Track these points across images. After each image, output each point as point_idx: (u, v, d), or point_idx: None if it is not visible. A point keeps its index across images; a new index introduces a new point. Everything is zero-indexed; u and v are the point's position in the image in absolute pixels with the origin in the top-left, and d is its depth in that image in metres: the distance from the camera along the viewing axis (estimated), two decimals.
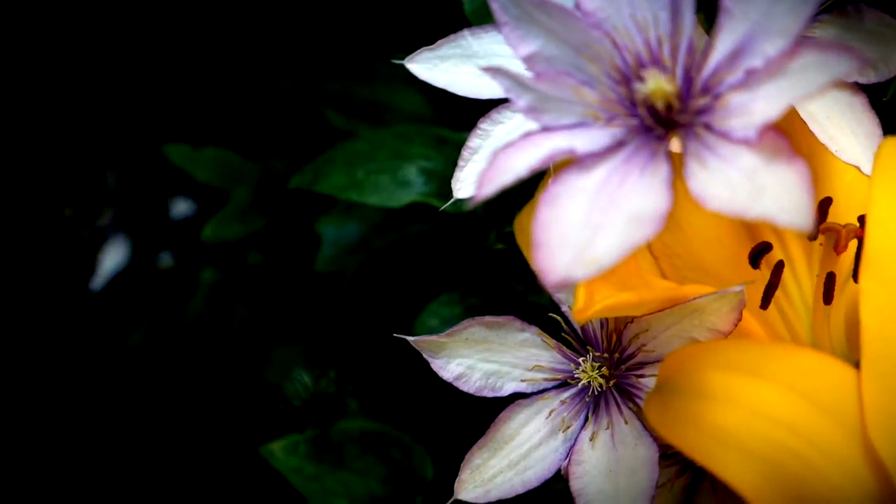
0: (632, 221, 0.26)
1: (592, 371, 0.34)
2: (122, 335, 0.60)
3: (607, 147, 0.28)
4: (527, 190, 0.34)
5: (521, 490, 0.34)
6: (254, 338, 0.55)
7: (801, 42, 0.27)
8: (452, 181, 0.34)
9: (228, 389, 0.56)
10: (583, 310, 0.31)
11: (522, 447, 0.35)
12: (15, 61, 0.60)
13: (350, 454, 0.42)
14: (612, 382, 0.34)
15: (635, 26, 0.29)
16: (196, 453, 0.57)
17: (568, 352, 0.35)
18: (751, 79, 0.27)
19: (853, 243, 0.35)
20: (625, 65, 0.28)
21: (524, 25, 0.29)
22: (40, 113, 0.61)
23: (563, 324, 0.35)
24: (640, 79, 0.28)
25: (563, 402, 0.35)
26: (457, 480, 0.35)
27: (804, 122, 0.34)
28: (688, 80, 0.28)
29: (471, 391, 0.35)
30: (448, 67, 0.35)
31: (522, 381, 0.35)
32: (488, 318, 0.35)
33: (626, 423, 0.34)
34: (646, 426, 0.34)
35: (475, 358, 0.35)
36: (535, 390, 0.35)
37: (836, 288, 0.35)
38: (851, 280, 0.35)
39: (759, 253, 0.35)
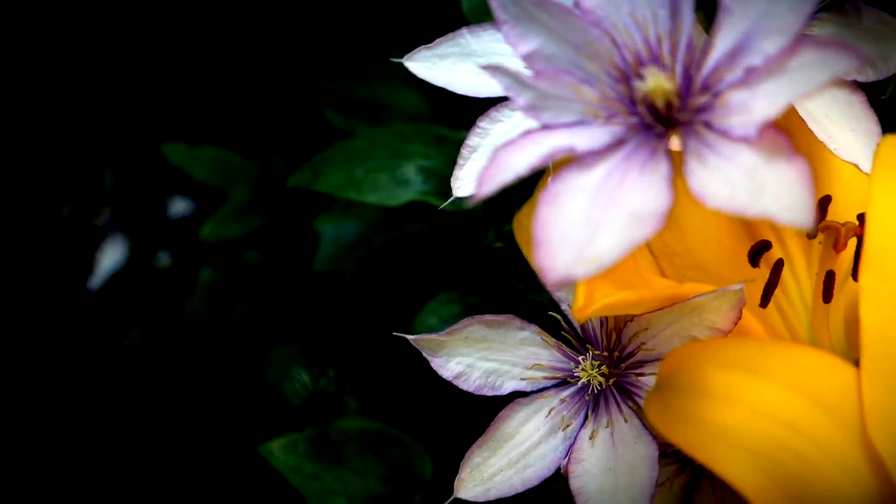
0: (632, 219, 0.26)
1: (592, 369, 0.34)
2: (121, 334, 0.60)
3: (607, 145, 0.28)
4: (525, 188, 0.34)
5: (520, 488, 0.34)
6: (252, 337, 0.55)
7: (801, 40, 0.27)
8: (452, 179, 0.34)
9: (227, 388, 0.56)
10: (583, 308, 0.31)
11: (522, 446, 0.35)
12: (13, 60, 0.60)
13: (349, 453, 0.42)
14: (611, 381, 0.34)
15: (634, 24, 0.28)
16: (195, 452, 0.57)
17: (567, 350, 0.35)
18: (750, 77, 0.27)
19: (852, 241, 0.35)
20: (624, 63, 0.28)
21: (523, 23, 0.29)
22: (38, 112, 0.61)
23: (563, 322, 0.35)
24: (640, 77, 0.28)
25: (562, 401, 0.35)
26: (456, 479, 0.35)
27: (803, 120, 0.34)
28: (687, 78, 0.28)
29: (470, 390, 0.35)
30: (447, 66, 0.35)
31: (522, 379, 0.35)
32: (488, 317, 0.35)
33: (626, 421, 0.34)
34: (645, 425, 0.34)
35: (475, 356, 0.35)
36: (534, 389, 0.35)
37: (836, 286, 0.35)
38: (850, 279, 0.35)
39: (758, 251, 0.35)
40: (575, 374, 0.35)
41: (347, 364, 0.47)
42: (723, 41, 0.27)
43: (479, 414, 0.36)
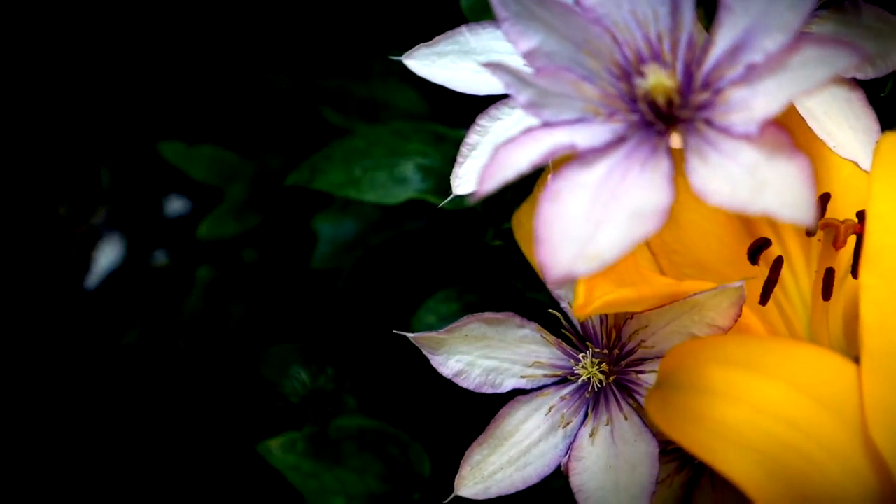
0: (634, 216, 0.26)
1: (592, 367, 0.34)
2: (117, 334, 0.60)
3: (608, 142, 0.28)
4: (524, 186, 0.34)
5: (521, 486, 0.34)
6: (250, 335, 0.55)
7: (801, 37, 0.27)
8: (451, 177, 0.34)
9: (225, 387, 0.56)
10: (583, 306, 0.31)
11: (522, 443, 0.35)
12: (9, 60, 0.60)
13: (348, 451, 0.42)
14: (611, 378, 0.34)
15: (635, 22, 0.29)
16: (193, 451, 0.56)
17: (567, 348, 0.35)
18: (751, 74, 0.27)
19: (851, 239, 0.35)
20: (625, 60, 0.28)
21: (524, 21, 0.29)
22: (35, 111, 0.61)
23: (563, 320, 0.35)
24: (641, 74, 0.28)
25: (562, 399, 0.35)
26: (457, 477, 0.35)
27: (801, 117, 0.34)
28: (688, 75, 0.28)
29: (470, 388, 0.35)
30: (446, 64, 0.35)
31: (522, 377, 0.35)
32: (488, 315, 0.35)
33: (626, 419, 0.34)
34: (645, 422, 0.34)
35: (475, 354, 0.35)
36: (534, 386, 0.35)
37: (835, 284, 0.35)
38: (849, 276, 0.35)
39: (757, 249, 0.35)
40: (575, 372, 0.35)
41: (346, 362, 0.47)
42: (723, 38, 0.27)
43: (478, 412, 0.36)
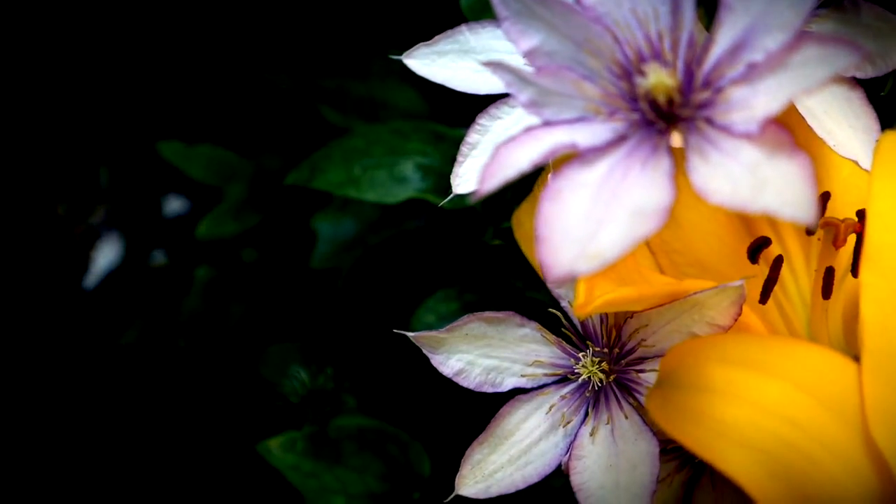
0: (635, 215, 0.26)
1: (592, 366, 0.34)
2: (116, 333, 0.60)
3: (609, 141, 0.28)
4: (524, 186, 0.34)
5: (521, 485, 0.34)
6: (249, 335, 0.55)
7: (802, 36, 0.27)
8: (451, 177, 0.34)
9: (225, 387, 0.56)
10: (583, 305, 0.31)
11: (523, 442, 0.35)
12: (8, 59, 0.60)
13: (347, 451, 0.42)
14: (612, 377, 0.34)
15: (636, 21, 0.29)
16: (193, 451, 0.56)
17: (568, 347, 0.35)
18: (752, 73, 0.27)
19: (851, 238, 0.35)
20: (626, 59, 0.28)
21: (525, 20, 0.29)
22: (33, 110, 0.61)
23: (563, 319, 0.35)
24: (642, 73, 0.28)
25: (563, 398, 0.35)
26: (457, 476, 0.35)
27: (801, 116, 0.34)
28: (689, 74, 0.28)
29: (471, 387, 0.35)
30: (446, 63, 0.35)
31: (522, 376, 0.35)
32: (488, 314, 0.35)
33: (627, 418, 0.34)
34: (646, 421, 0.34)
35: (475, 353, 0.35)
36: (535, 385, 0.35)
37: (834, 283, 0.35)
38: (849, 275, 0.35)
39: (757, 248, 0.35)
40: (575, 371, 0.35)
41: (346, 362, 0.47)
42: (724, 37, 0.27)
43: (478, 411, 0.36)
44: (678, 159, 0.27)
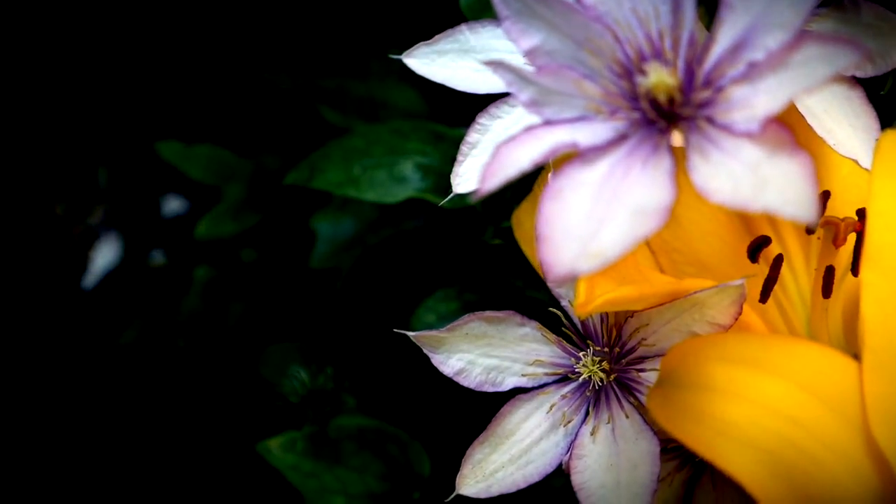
0: (636, 214, 0.26)
1: (593, 365, 0.34)
2: (115, 333, 0.60)
3: (610, 140, 0.28)
4: (523, 185, 0.34)
5: (522, 485, 0.34)
6: (249, 335, 0.55)
7: (802, 35, 0.27)
8: (452, 176, 0.34)
9: (224, 387, 0.56)
10: (584, 304, 0.31)
11: (523, 442, 0.35)
12: (7, 59, 0.60)
13: (347, 451, 0.42)
14: (612, 377, 0.34)
15: (636, 20, 0.29)
16: (192, 451, 0.56)
17: (568, 346, 0.35)
18: (752, 72, 0.27)
19: (851, 237, 0.35)
20: (626, 58, 0.28)
21: (525, 19, 0.29)
22: (32, 110, 0.61)
23: (564, 318, 0.35)
24: (642, 72, 0.28)
25: (563, 397, 0.35)
26: (458, 475, 0.35)
27: (801, 115, 0.34)
28: (690, 73, 0.28)
29: (471, 386, 0.35)
30: (446, 62, 0.35)
31: (523, 375, 0.35)
32: (488, 313, 0.35)
33: (627, 417, 0.34)
34: (647, 420, 0.34)
35: (475, 353, 0.35)
36: (535, 385, 0.35)
37: (835, 281, 0.35)
38: (848, 274, 0.35)
39: (757, 247, 0.35)
40: (576, 370, 0.35)
41: (345, 362, 0.47)
42: (725, 36, 0.27)
43: (477, 411, 0.36)
44: (679, 158, 0.27)
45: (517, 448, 0.35)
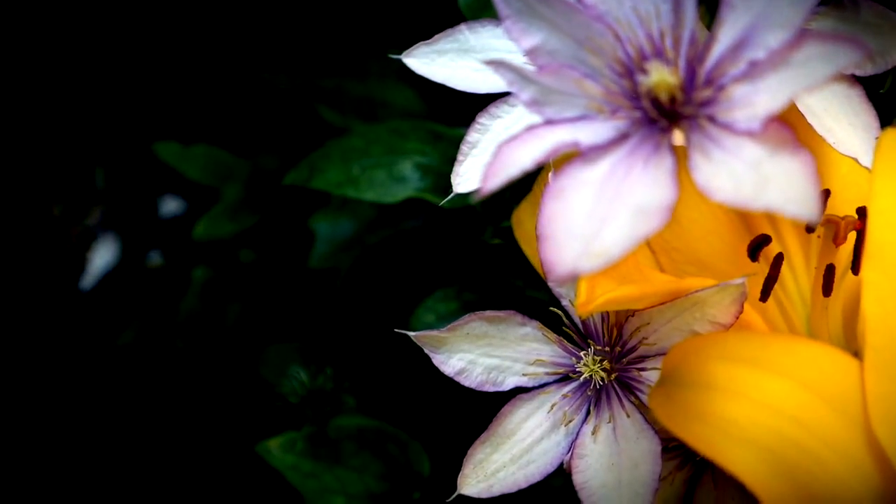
0: (638, 213, 0.26)
1: (594, 365, 0.34)
2: (113, 334, 0.60)
3: (611, 140, 0.28)
4: (523, 185, 0.34)
5: (523, 484, 0.34)
6: (248, 335, 0.55)
7: (804, 34, 0.27)
8: (452, 176, 0.34)
9: (223, 387, 0.56)
10: (585, 303, 0.31)
11: (524, 441, 0.35)
12: (4, 60, 0.60)
13: (347, 451, 0.42)
14: (613, 376, 0.34)
15: (637, 19, 0.29)
16: (192, 452, 0.56)
17: (569, 346, 0.35)
18: (754, 70, 0.27)
19: (851, 235, 0.35)
20: (627, 57, 0.28)
21: (526, 18, 0.29)
22: (29, 111, 0.61)
23: (564, 318, 0.35)
24: (644, 71, 0.28)
25: (564, 396, 0.35)
26: (460, 475, 0.35)
27: (800, 114, 0.34)
28: (691, 72, 0.28)
29: (472, 386, 0.35)
30: (445, 62, 0.35)
31: (524, 375, 0.35)
32: (489, 313, 0.35)
33: (628, 416, 0.34)
34: (648, 419, 0.34)
35: (476, 353, 0.35)
36: (536, 384, 0.35)
37: (835, 280, 0.35)
38: (848, 273, 0.35)
39: (757, 246, 0.35)
40: (577, 370, 0.35)
41: (345, 362, 0.47)
42: (726, 35, 0.27)
43: (477, 411, 0.36)
44: (680, 157, 0.27)
45: (518, 448, 0.35)
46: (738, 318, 0.33)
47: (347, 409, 0.43)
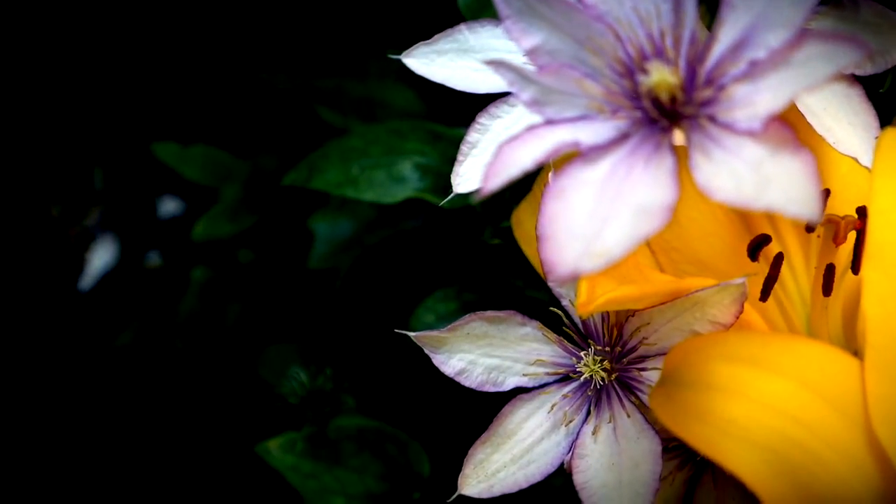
0: (639, 213, 0.26)
1: (594, 365, 0.34)
2: (112, 335, 0.59)
3: (612, 139, 0.28)
4: (522, 185, 0.34)
5: (524, 484, 0.34)
6: (247, 336, 0.55)
7: (804, 33, 0.27)
8: (452, 176, 0.34)
9: (223, 388, 0.56)
10: (586, 303, 0.30)
11: (525, 442, 0.35)
12: (2, 60, 0.60)
13: (347, 451, 0.42)
14: (613, 376, 0.34)
15: (637, 18, 0.28)
16: (192, 452, 0.56)
17: (569, 346, 0.35)
18: (754, 70, 0.27)
19: (851, 235, 0.35)
20: (628, 57, 0.28)
21: (526, 18, 0.29)
22: (28, 111, 0.61)
23: (564, 318, 0.35)
24: (644, 71, 0.28)
25: (565, 397, 0.35)
26: (460, 475, 0.35)
27: (800, 113, 0.34)
28: (691, 71, 0.28)
29: (472, 386, 0.35)
30: (445, 62, 0.35)
31: (524, 375, 0.35)
32: (489, 313, 0.35)
33: (629, 416, 0.34)
34: (648, 419, 0.34)
35: (476, 353, 0.35)
36: (536, 385, 0.35)
37: (835, 280, 0.35)
38: (849, 272, 0.35)
39: (757, 245, 0.35)
40: (577, 370, 0.35)
41: (345, 362, 0.47)
42: (726, 35, 0.27)
43: (477, 411, 0.36)
44: (680, 157, 0.27)
45: (519, 448, 0.35)
46: (738, 317, 0.33)
47: (347, 410, 0.43)
